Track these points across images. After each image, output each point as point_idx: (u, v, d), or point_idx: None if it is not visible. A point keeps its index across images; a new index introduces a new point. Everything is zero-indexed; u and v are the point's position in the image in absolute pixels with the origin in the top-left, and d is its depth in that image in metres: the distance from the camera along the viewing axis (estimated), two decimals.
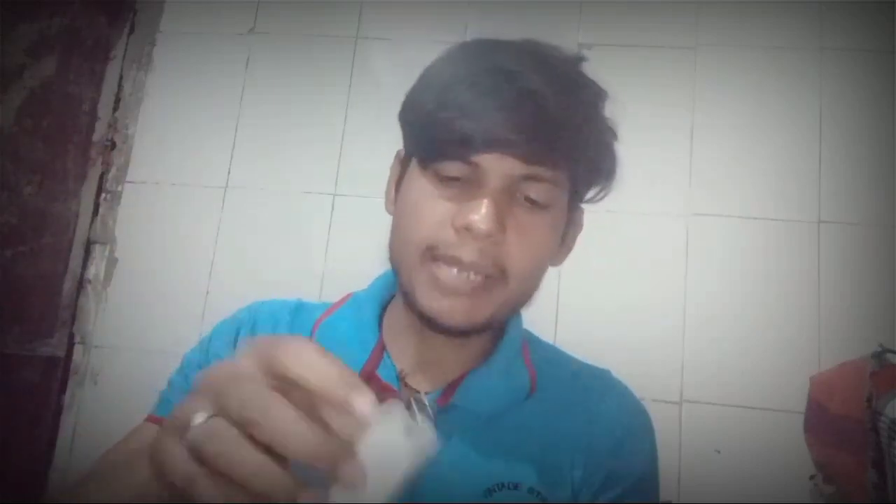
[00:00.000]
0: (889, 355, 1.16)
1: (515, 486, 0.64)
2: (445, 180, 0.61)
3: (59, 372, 1.51)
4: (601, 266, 1.42)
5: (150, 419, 0.70)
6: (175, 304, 1.51)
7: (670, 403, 1.34)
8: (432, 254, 0.61)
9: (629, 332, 1.38)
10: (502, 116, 0.58)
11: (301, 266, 1.49)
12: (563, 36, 1.53)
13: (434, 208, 0.61)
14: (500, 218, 0.59)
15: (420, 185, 0.63)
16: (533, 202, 0.61)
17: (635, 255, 1.42)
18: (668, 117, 1.47)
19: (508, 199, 0.60)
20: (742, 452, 1.30)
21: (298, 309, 0.75)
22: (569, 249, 0.71)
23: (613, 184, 0.71)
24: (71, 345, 1.53)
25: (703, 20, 1.51)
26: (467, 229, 0.58)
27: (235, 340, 0.71)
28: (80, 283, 1.56)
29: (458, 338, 0.65)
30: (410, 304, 0.64)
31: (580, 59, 0.68)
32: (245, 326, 0.73)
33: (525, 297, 0.65)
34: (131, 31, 1.69)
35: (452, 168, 0.61)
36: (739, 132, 1.45)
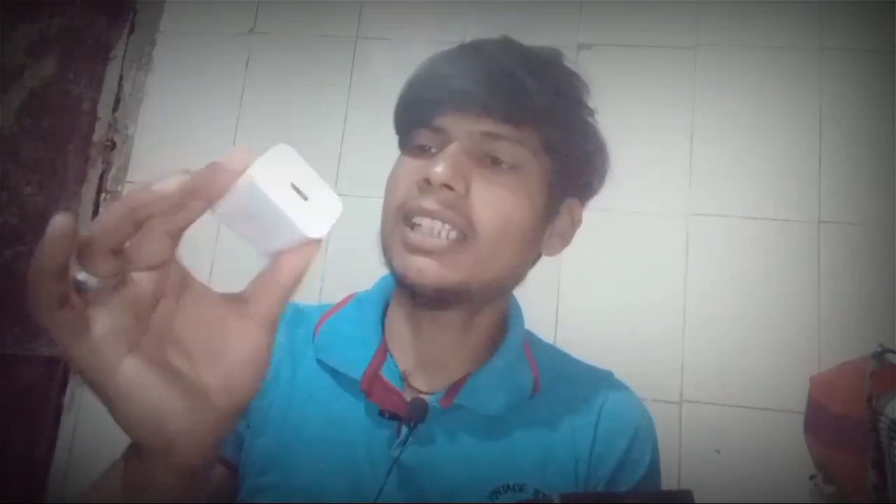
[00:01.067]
0: (889, 355, 1.16)
1: (521, 488, 0.64)
2: (417, 150, 0.64)
3: (59, 372, 1.51)
4: (601, 266, 1.42)
5: None
6: None
7: (670, 403, 1.34)
8: (403, 213, 0.63)
9: (629, 332, 1.38)
10: (461, 76, 0.61)
11: None
12: (563, 36, 1.53)
13: (406, 174, 0.64)
14: (461, 170, 0.61)
15: (399, 162, 0.66)
16: (498, 161, 0.63)
17: (635, 255, 1.42)
18: (668, 117, 1.47)
19: (472, 157, 0.62)
20: (742, 452, 1.30)
21: (295, 313, 0.75)
22: (564, 242, 0.71)
23: (603, 176, 0.72)
24: None
25: (703, 20, 1.51)
26: (426, 180, 0.60)
27: None
28: None
29: (438, 307, 0.65)
30: (393, 274, 0.66)
31: (557, 53, 0.71)
32: None
33: (501, 268, 0.65)
34: (131, 31, 1.69)
35: (420, 136, 0.64)
36: (739, 132, 1.45)
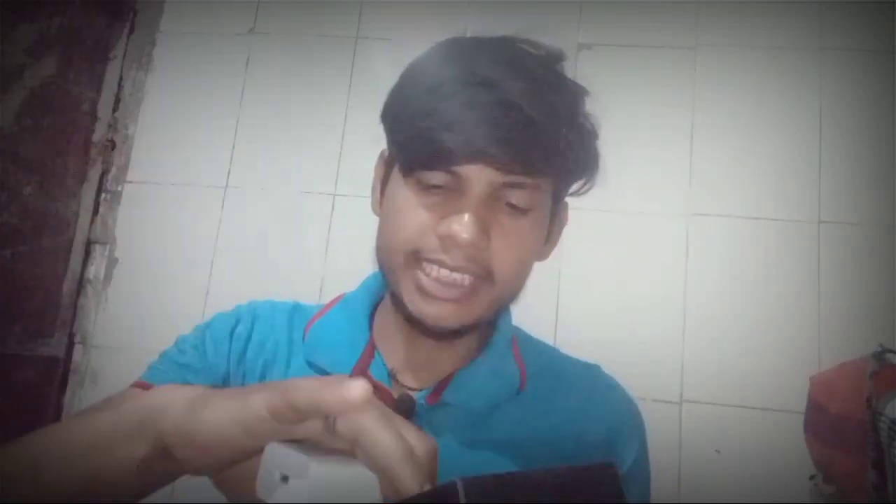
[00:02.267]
0: (889, 355, 1.16)
1: None
2: (427, 188, 0.62)
3: (59, 372, 1.51)
4: (601, 266, 1.42)
5: (138, 384, 0.72)
6: (175, 305, 1.51)
7: (670, 403, 1.34)
8: (416, 258, 0.62)
9: (629, 332, 1.38)
10: (482, 128, 0.58)
11: (301, 266, 1.49)
12: (563, 36, 1.53)
13: (417, 216, 0.62)
14: (483, 227, 0.60)
15: (403, 192, 0.63)
16: (515, 207, 0.62)
17: (635, 255, 1.42)
18: (668, 117, 1.47)
19: (491, 206, 0.61)
20: (742, 452, 1.30)
21: (295, 310, 0.76)
22: (554, 244, 0.72)
23: (596, 177, 0.71)
24: (71, 345, 1.53)
25: (703, 20, 1.51)
26: (450, 239, 0.59)
27: (232, 332, 0.72)
28: (80, 283, 1.56)
29: (447, 339, 0.66)
30: (398, 306, 0.65)
31: (558, 57, 0.68)
32: (244, 321, 0.73)
33: (511, 295, 0.66)
34: (131, 31, 1.69)
35: (434, 177, 0.61)
36: (739, 132, 1.45)
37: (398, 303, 0.65)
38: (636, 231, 1.43)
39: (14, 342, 1.52)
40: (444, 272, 0.61)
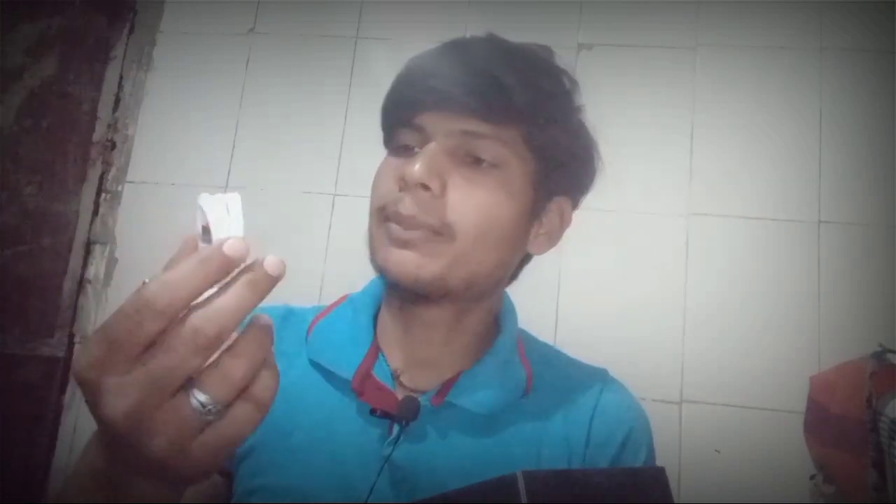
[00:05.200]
0: (889, 355, 1.16)
1: None
2: (399, 149, 0.65)
3: (59, 372, 1.51)
4: (601, 266, 1.42)
5: None
6: None
7: (670, 403, 1.34)
8: (384, 214, 0.64)
9: (629, 332, 1.37)
10: (442, 75, 0.61)
11: (301, 266, 1.49)
12: (563, 36, 1.53)
13: (387, 176, 0.65)
14: (438, 170, 0.61)
15: (383, 162, 0.67)
16: (479, 160, 0.62)
17: (635, 255, 1.42)
18: (668, 117, 1.47)
19: (451, 155, 0.62)
20: (742, 452, 1.30)
21: (288, 315, 0.75)
22: (552, 241, 0.71)
23: (594, 175, 0.71)
24: (71, 345, 1.53)
25: (703, 20, 1.51)
26: (403, 180, 0.61)
27: None
28: (80, 283, 1.56)
29: (424, 306, 0.66)
30: (375, 267, 0.67)
31: (549, 53, 0.70)
32: None
33: (480, 264, 0.64)
34: (131, 31, 1.69)
35: (403, 135, 0.64)
36: (739, 132, 1.45)
37: (374, 263, 0.66)
38: (636, 231, 1.43)
39: (14, 342, 1.52)
40: (400, 230, 0.62)
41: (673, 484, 1.31)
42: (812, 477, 1.24)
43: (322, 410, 0.68)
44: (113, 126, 1.64)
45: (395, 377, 0.68)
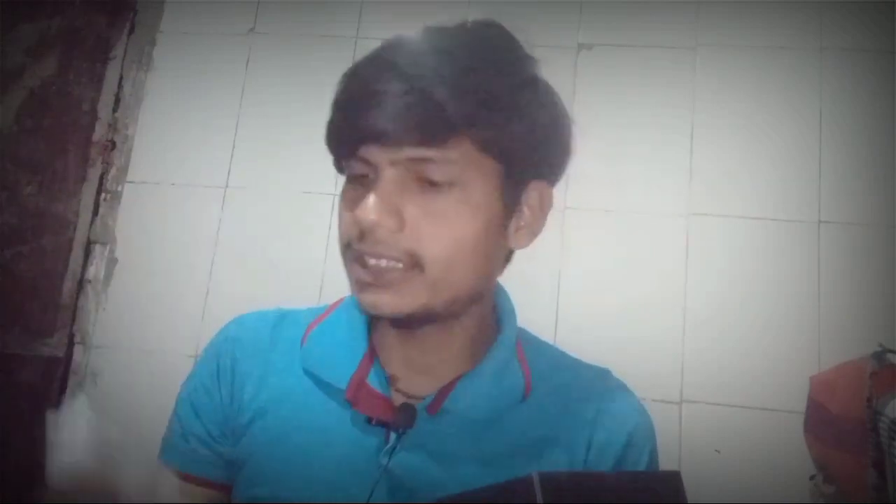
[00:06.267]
0: (889, 355, 1.16)
1: None
2: (353, 179, 0.63)
3: (59, 372, 1.51)
4: (601, 266, 1.42)
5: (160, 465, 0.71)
6: (175, 304, 1.51)
7: (670, 403, 1.34)
8: (351, 254, 0.62)
9: (629, 332, 1.37)
10: (372, 102, 0.58)
11: (301, 266, 1.49)
12: (563, 36, 1.53)
13: (346, 212, 0.62)
14: (390, 206, 0.59)
15: (343, 190, 0.65)
16: (434, 183, 0.59)
17: (635, 255, 1.42)
18: (668, 117, 1.47)
19: (402, 185, 0.59)
20: (742, 452, 1.30)
21: (280, 320, 0.74)
22: (534, 231, 0.67)
23: (567, 150, 0.66)
24: (71, 345, 1.53)
25: (703, 20, 1.51)
26: (358, 225, 0.59)
27: (217, 371, 0.71)
28: (80, 283, 1.56)
29: (407, 327, 0.64)
30: None
31: (490, 26, 0.67)
32: (224, 355, 0.72)
33: (461, 283, 0.62)
34: (131, 31, 1.69)
35: (352, 167, 0.62)
36: (739, 132, 1.45)
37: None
38: (636, 231, 1.43)
39: (14, 342, 1.52)
40: (371, 261, 0.60)
41: None
42: (812, 477, 1.24)
43: (318, 419, 0.67)
44: (113, 126, 1.64)
45: (391, 382, 0.67)
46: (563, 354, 0.76)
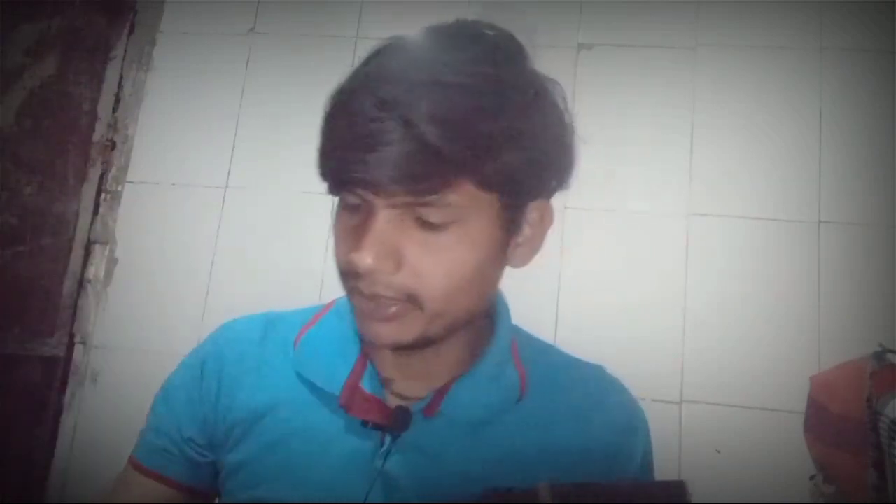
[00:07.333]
0: (889, 355, 1.16)
1: (509, 491, 0.64)
2: (348, 207, 0.60)
3: (59, 372, 1.51)
4: (601, 266, 1.42)
5: (133, 463, 0.71)
6: (175, 304, 1.51)
7: (670, 403, 1.34)
8: (349, 284, 0.60)
9: (629, 332, 1.38)
10: (367, 154, 0.54)
11: (301, 266, 1.49)
12: (563, 36, 1.53)
13: (342, 239, 0.61)
14: (387, 249, 0.56)
15: (338, 212, 0.63)
16: (431, 224, 0.57)
17: (635, 255, 1.42)
18: (668, 117, 1.47)
19: (399, 226, 0.57)
20: (742, 452, 1.30)
21: (269, 324, 0.73)
22: (534, 248, 0.65)
23: (570, 166, 0.64)
24: (71, 345, 1.53)
25: (703, 20, 1.51)
26: (354, 270, 0.57)
27: (202, 375, 0.71)
28: (80, 283, 1.56)
29: (408, 351, 0.63)
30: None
31: (513, 51, 0.63)
32: (211, 359, 0.71)
33: (460, 311, 0.61)
34: (131, 31, 1.69)
35: (347, 197, 0.60)
36: (739, 132, 1.45)
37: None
38: (636, 231, 1.43)
39: (14, 342, 1.52)
40: (365, 303, 0.59)
41: None
42: (812, 477, 1.24)
43: (313, 423, 0.66)
44: (113, 126, 1.64)
45: (385, 385, 0.67)
46: (557, 352, 0.76)
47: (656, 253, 1.42)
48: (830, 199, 1.39)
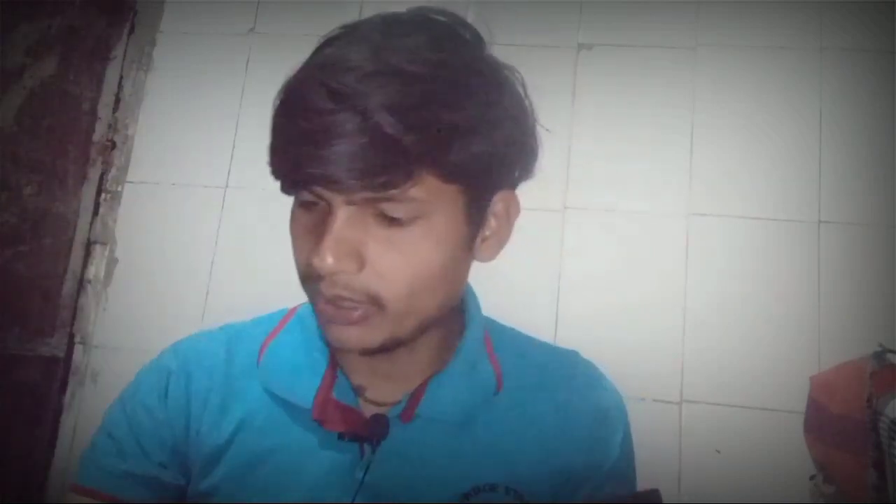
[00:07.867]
0: (889, 355, 1.16)
1: (492, 488, 0.63)
2: (304, 205, 0.59)
3: (59, 372, 1.51)
4: (601, 266, 1.42)
5: (76, 489, 0.66)
6: (175, 304, 1.51)
7: (670, 403, 1.34)
8: (309, 287, 0.59)
9: (629, 332, 1.37)
10: (322, 149, 0.52)
11: None
12: (563, 36, 1.53)
13: (300, 240, 0.59)
14: (348, 249, 0.54)
15: (294, 210, 0.61)
16: (394, 219, 0.54)
17: (635, 255, 1.42)
18: (668, 117, 1.47)
19: (359, 223, 0.54)
20: (742, 452, 1.30)
21: (232, 338, 0.70)
22: (500, 241, 0.63)
23: (533, 152, 0.62)
24: (71, 345, 1.53)
25: (703, 20, 1.51)
26: (314, 272, 0.55)
27: (166, 393, 0.68)
28: (80, 283, 1.56)
29: (376, 354, 0.60)
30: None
31: (470, 40, 0.60)
32: (176, 376, 0.69)
33: (427, 309, 0.59)
34: (131, 31, 1.69)
35: (303, 194, 0.58)
36: (739, 132, 1.45)
37: None
38: (636, 231, 1.43)
39: (14, 342, 1.52)
40: (328, 307, 0.57)
41: (673, 484, 1.32)
42: (812, 477, 1.24)
43: (287, 439, 0.64)
44: (113, 126, 1.64)
45: (358, 394, 0.65)
46: (530, 340, 0.74)
47: (656, 253, 1.42)
48: (830, 199, 1.39)
